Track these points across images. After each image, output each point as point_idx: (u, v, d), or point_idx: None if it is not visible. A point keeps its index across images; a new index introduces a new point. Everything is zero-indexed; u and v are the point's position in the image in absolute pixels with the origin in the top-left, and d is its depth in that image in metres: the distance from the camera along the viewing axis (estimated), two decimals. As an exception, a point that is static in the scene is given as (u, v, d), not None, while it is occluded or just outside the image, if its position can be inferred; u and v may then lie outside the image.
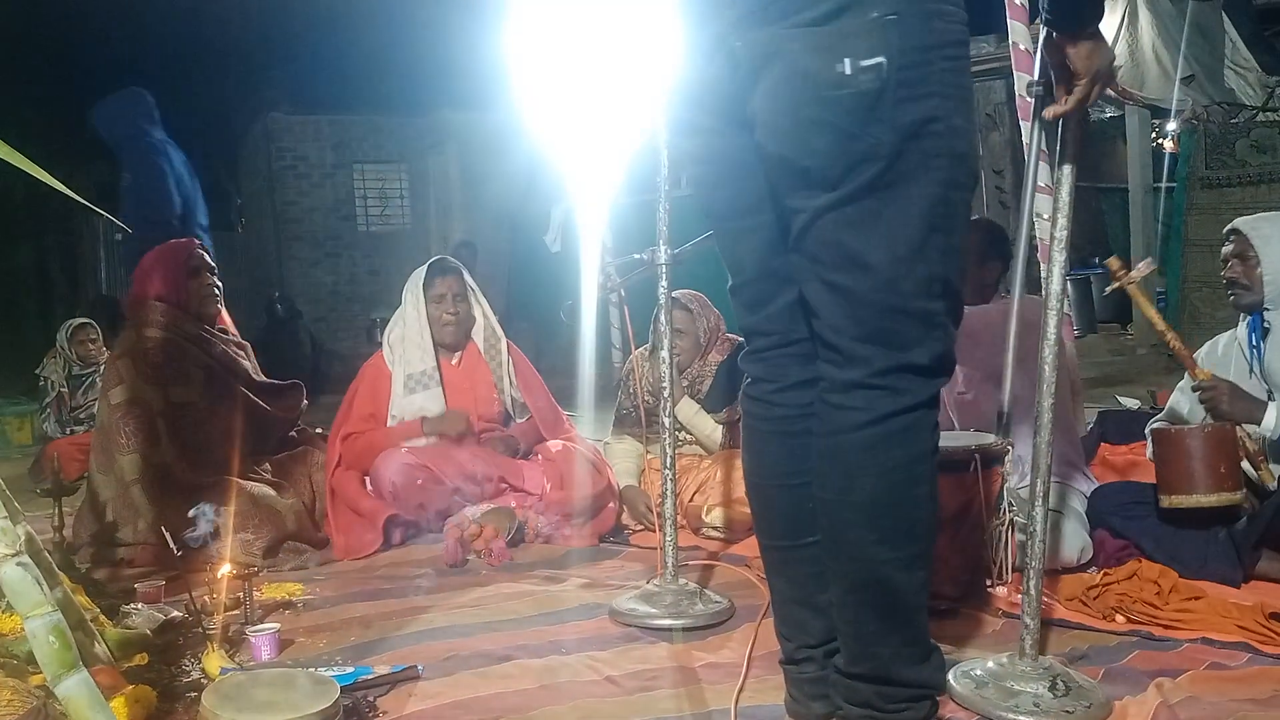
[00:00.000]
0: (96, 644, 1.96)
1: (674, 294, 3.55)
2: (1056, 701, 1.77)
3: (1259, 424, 2.50)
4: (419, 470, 3.27)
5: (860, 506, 1.47)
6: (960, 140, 1.44)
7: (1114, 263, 2.51)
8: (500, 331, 3.64)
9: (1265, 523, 2.41)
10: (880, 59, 1.34)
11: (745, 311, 1.69)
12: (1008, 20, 3.34)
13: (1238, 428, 2.47)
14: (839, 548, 1.51)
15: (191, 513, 2.73)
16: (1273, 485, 2.50)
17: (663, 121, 1.66)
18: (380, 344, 3.61)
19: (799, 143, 1.42)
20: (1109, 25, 7.49)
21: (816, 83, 1.37)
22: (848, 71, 1.35)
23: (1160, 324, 2.53)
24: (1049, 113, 1.70)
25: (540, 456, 3.48)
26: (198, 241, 3.57)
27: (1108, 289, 2.55)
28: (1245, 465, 2.50)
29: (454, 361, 3.56)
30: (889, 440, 1.46)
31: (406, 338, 3.52)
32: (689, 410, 3.41)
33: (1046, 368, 1.83)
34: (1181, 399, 2.84)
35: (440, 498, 3.28)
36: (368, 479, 3.36)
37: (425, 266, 3.58)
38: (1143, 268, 2.48)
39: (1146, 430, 2.80)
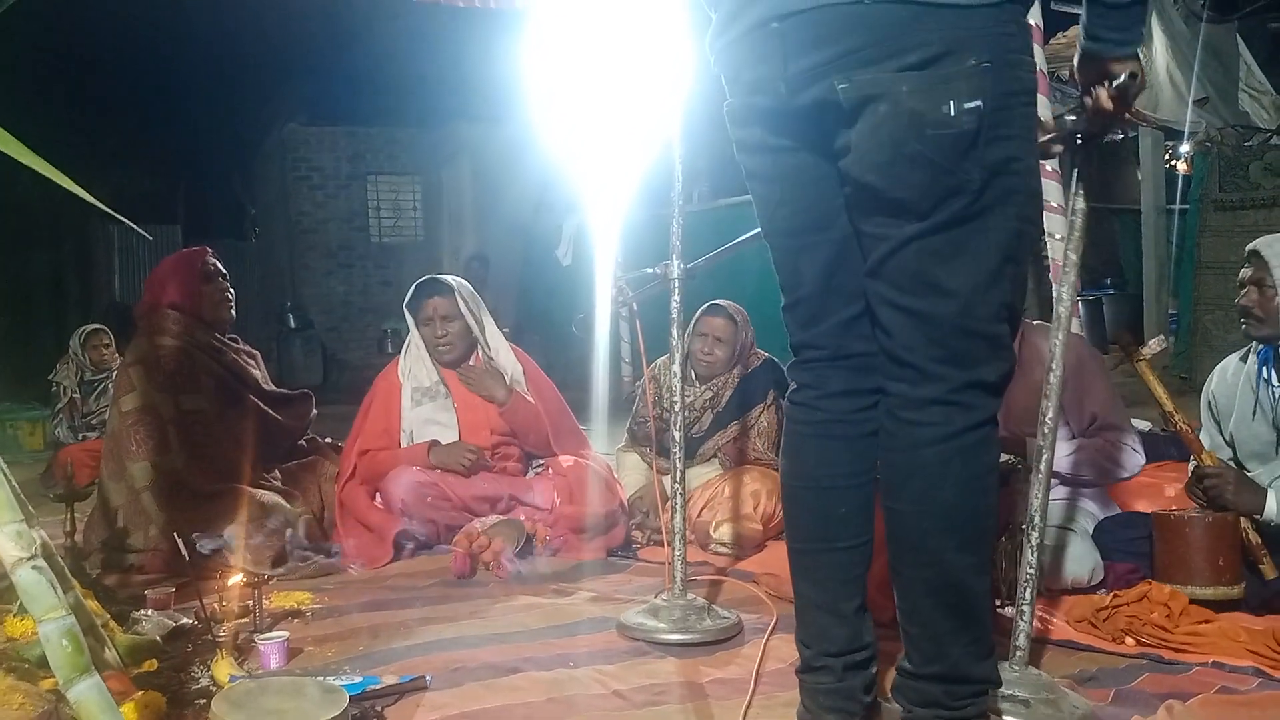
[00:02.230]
0: (107, 649, 1.97)
1: (720, 302, 3.59)
2: (1040, 707, 1.79)
3: (1260, 513, 2.40)
4: (429, 488, 3.28)
5: (940, 515, 1.56)
6: (1034, 178, 1.57)
7: (1125, 337, 2.49)
8: (496, 345, 3.57)
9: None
10: (979, 101, 1.45)
11: (799, 328, 1.74)
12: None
13: (1241, 519, 2.39)
14: (916, 555, 1.59)
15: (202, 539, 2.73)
16: (1274, 576, 2.38)
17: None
18: (391, 354, 3.62)
19: (895, 175, 1.51)
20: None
21: (922, 121, 1.46)
22: (952, 113, 1.45)
23: (1169, 405, 2.43)
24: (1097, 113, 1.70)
25: (550, 471, 3.48)
26: (209, 249, 3.60)
27: (1116, 366, 2.52)
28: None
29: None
30: (964, 453, 1.56)
31: (413, 354, 3.56)
32: (694, 480, 3.38)
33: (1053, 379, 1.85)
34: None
35: (450, 515, 3.29)
36: (378, 494, 3.37)
37: (413, 287, 3.55)
38: (1154, 345, 2.43)
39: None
